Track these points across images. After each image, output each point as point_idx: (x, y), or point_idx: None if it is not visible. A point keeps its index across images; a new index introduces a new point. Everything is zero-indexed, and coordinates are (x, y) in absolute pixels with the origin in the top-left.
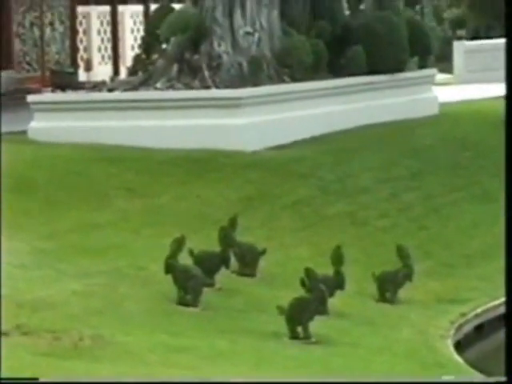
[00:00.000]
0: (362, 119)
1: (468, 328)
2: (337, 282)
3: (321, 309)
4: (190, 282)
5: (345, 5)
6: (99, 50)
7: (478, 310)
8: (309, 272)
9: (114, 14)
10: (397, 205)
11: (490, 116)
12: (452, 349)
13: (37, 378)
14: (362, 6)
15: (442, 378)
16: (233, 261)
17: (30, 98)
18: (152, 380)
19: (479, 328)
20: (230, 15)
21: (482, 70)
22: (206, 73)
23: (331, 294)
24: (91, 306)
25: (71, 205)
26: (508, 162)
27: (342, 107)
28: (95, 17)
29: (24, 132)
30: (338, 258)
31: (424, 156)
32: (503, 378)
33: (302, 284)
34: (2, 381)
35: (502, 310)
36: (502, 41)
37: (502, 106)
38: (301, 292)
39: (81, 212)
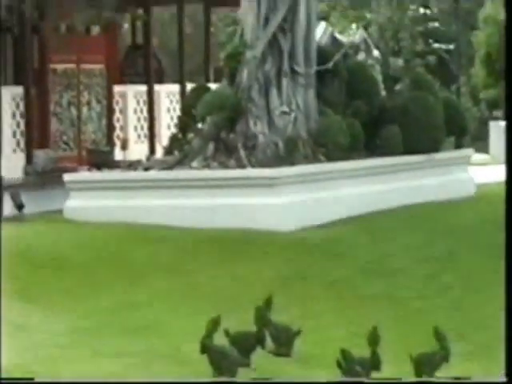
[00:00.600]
0: (399, 199)
1: None
2: (373, 363)
3: None
4: (225, 362)
5: (381, 85)
6: (135, 128)
7: None
8: (345, 353)
9: (150, 94)
10: (434, 285)
11: None
12: None
13: (32, 378)
14: (398, 87)
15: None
16: (268, 341)
17: (67, 176)
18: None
19: None
20: (266, 95)
21: None
22: (242, 152)
23: (367, 375)
24: None
25: (108, 284)
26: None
27: (379, 187)
28: (132, 96)
29: (60, 211)
30: (374, 339)
31: (461, 237)
32: (503, 379)
33: (338, 365)
34: (2, 381)
35: None
36: None
37: None
38: (337, 373)
39: (118, 291)
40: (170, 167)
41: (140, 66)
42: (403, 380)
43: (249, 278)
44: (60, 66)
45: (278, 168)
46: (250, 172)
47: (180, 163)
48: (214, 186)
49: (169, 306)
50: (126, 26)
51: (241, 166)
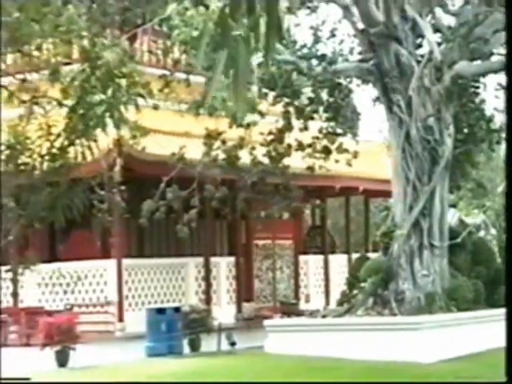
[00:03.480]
0: None
1: None
2: None
3: None
4: None
5: (497, 254)
6: (315, 286)
7: None
8: None
9: (325, 261)
10: None
11: None
12: None
13: (29, 378)
14: None
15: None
16: None
17: (266, 322)
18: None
19: None
20: (411, 262)
21: None
22: (394, 304)
23: None
24: None
25: None
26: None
27: (497, 330)
28: (312, 263)
29: (261, 347)
30: None
31: None
32: (503, 379)
33: None
34: (2, 381)
35: None
36: None
37: None
38: None
39: None
40: (341, 315)
41: (318, 241)
42: (405, 381)
43: None
44: (260, 242)
45: (420, 316)
46: (400, 319)
47: (348, 312)
48: (373, 329)
49: None
50: (308, 212)
51: (393, 314)
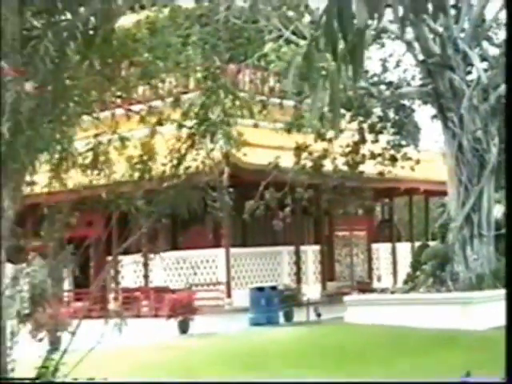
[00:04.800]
0: None
1: None
2: None
3: None
4: None
5: None
6: (385, 269)
7: None
8: None
9: (393, 248)
10: None
11: None
12: None
13: (36, 378)
14: None
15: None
16: None
17: (345, 297)
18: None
19: None
20: (464, 249)
21: None
22: (450, 283)
23: None
24: None
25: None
26: (508, 170)
27: None
28: (383, 250)
29: (341, 318)
30: None
31: None
32: (503, 379)
33: None
34: (2, 381)
35: None
36: None
37: None
38: None
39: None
40: (407, 291)
41: (386, 232)
42: (404, 380)
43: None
44: (340, 233)
45: (472, 292)
46: (455, 294)
47: (412, 290)
48: (433, 303)
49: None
50: (378, 208)
51: (449, 291)
